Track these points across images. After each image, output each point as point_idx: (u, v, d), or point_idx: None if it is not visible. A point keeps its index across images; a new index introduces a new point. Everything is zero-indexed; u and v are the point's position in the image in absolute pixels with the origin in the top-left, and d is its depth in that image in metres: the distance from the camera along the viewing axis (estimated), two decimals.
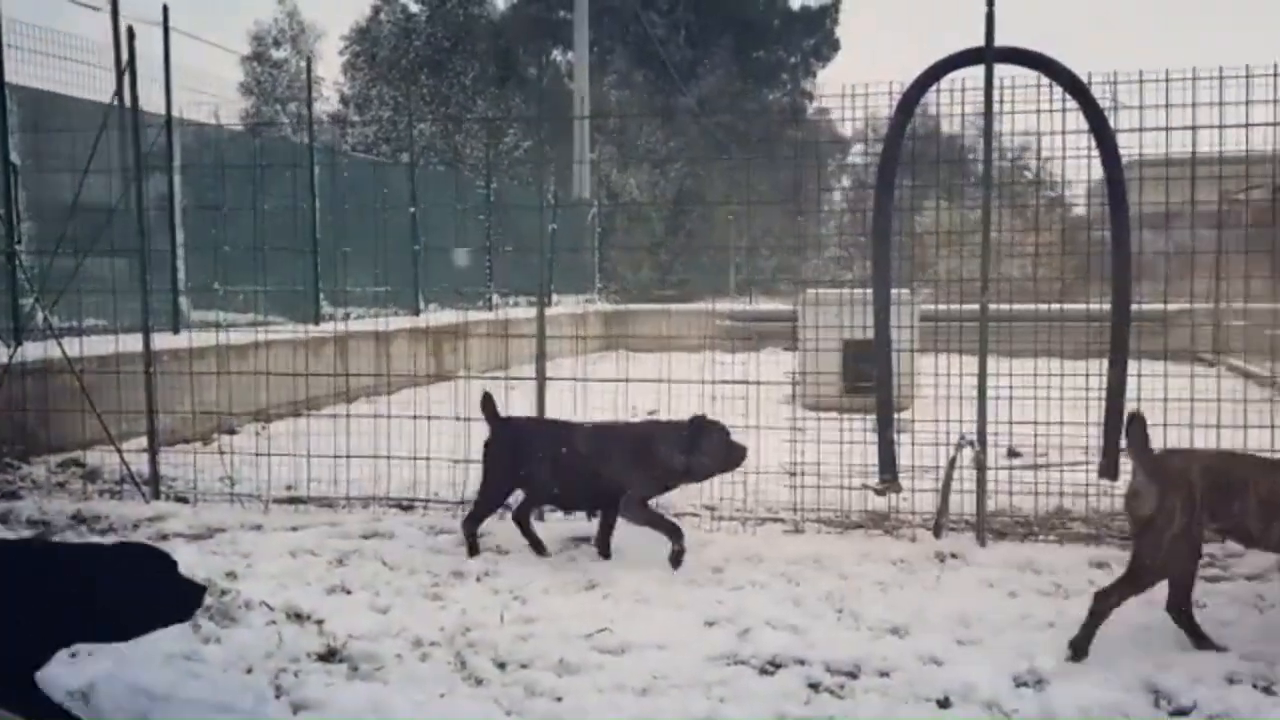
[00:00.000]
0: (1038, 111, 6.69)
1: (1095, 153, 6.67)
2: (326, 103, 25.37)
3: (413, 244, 15.19)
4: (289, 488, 7.88)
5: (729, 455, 6.20)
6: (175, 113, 10.15)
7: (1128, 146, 6.58)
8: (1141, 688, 4.32)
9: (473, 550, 6.30)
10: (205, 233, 11.18)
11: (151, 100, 9.45)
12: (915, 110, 6.84)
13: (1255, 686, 4.32)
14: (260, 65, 23.23)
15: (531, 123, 26.46)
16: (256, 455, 7.83)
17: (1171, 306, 8.43)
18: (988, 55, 6.46)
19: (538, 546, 6.35)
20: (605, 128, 29.06)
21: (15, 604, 3.66)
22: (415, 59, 26.15)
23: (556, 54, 33.84)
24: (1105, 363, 6.77)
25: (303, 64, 23.58)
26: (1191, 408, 6.63)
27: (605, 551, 6.27)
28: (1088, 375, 6.85)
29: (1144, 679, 4.38)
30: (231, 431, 9.51)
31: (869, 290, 7.25)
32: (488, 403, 6.48)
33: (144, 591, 3.85)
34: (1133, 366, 6.68)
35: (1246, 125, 6.43)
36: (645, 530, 6.14)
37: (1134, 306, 6.68)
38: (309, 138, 13.68)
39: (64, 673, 4.31)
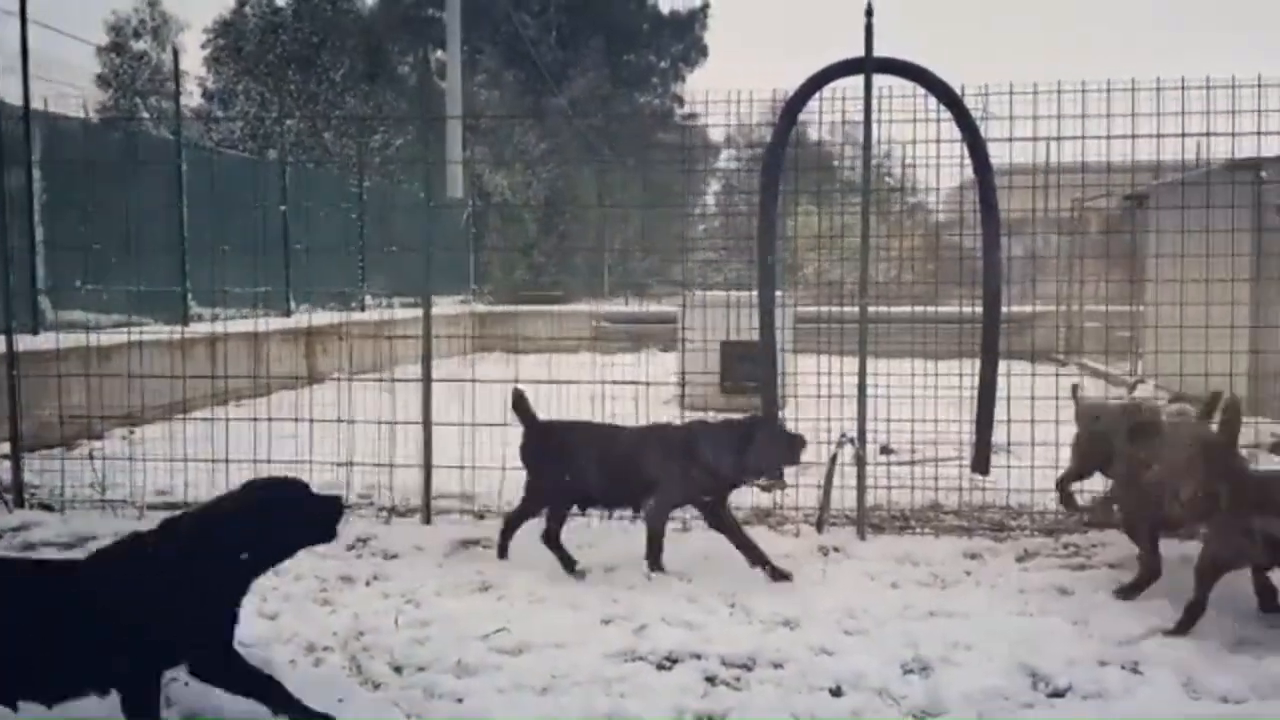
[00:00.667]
0: (914, 120, 6.95)
1: (965, 160, 6.97)
2: (189, 97, 24.59)
3: (284, 243, 14.84)
4: (162, 493, 7.62)
5: (790, 449, 5.98)
6: (35, 105, 9.70)
7: (998, 155, 6.89)
8: (1020, 672, 4.53)
9: (502, 552, 6.13)
10: (65, 229, 10.71)
11: (9, 91, 9.02)
12: (799, 117, 7.01)
13: (1124, 668, 4.58)
14: (119, 57, 22.32)
15: (403, 121, 26.11)
16: (130, 460, 7.56)
17: (1027, 309, 8.84)
18: (867, 65, 6.68)
19: (568, 563, 5.97)
20: (477, 128, 28.86)
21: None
22: (283, 54, 25.51)
23: (427, 52, 33.46)
24: (973, 363, 7.07)
25: (163, 56, 22.79)
26: (1056, 405, 6.97)
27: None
28: (961, 375, 7.15)
29: (1022, 663, 4.59)
30: (98, 436, 9.15)
31: (746, 292, 7.42)
32: (520, 402, 6.16)
33: (298, 513, 4.19)
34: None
35: (1108, 137, 6.81)
36: (534, 528, 6.15)
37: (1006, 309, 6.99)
38: (176, 132, 13.22)
39: None
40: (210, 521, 4.03)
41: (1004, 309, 6.94)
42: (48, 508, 7.35)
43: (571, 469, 6.02)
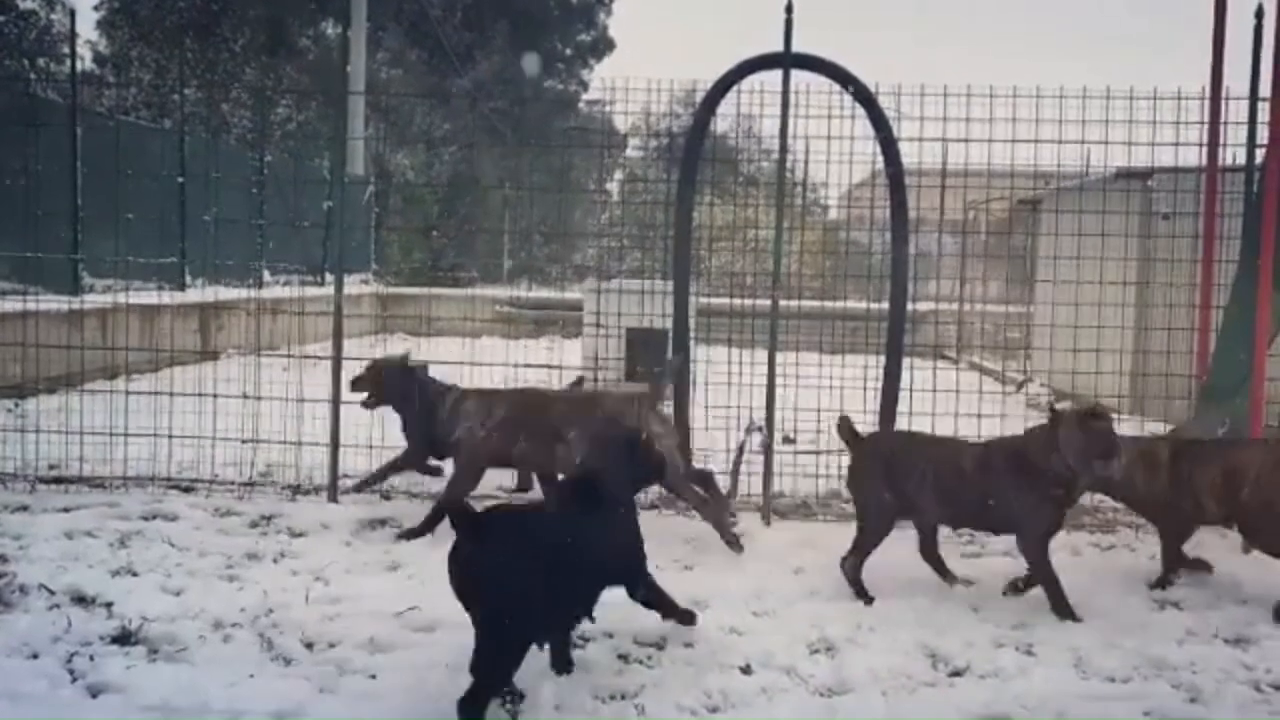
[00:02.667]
0: (828, 117, 7.10)
1: (876, 158, 7.16)
2: (80, 60, 23.54)
3: (181, 215, 14.43)
4: (53, 467, 7.40)
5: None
6: None
7: (907, 155, 7.09)
8: (921, 652, 4.70)
9: (863, 596, 5.39)
10: None
11: None
12: (717, 109, 7.11)
13: (1018, 650, 4.78)
14: (4, 15, 21.34)
15: (305, 95, 25.55)
16: (22, 432, 7.32)
17: (922, 306, 9.13)
18: (785, 61, 6.80)
19: (948, 576, 5.66)
20: (379, 105, 28.40)
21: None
22: (180, 21, 24.71)
23: (328, 27, 32.74)
24: (876, 358, 7.27)
25: (53, 16, 21.90)
26: (957, 398, 7.21)
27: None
28: (866, 368, 7.34)
29: (923, 644, 4.77)
30: None
31: (656, 281, 7.49)
32: (845, 425, 5.72)
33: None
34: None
35: (1013, 141, 7.05)
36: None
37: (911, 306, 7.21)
38: (72, 95, 12.73)
39: None
40: (623, 472, 4.68)
41: (913, 305, 7.15)
42: None
43: (909, 486, 5.47)
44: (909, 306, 7.33)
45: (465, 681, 4.19)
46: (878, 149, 6.97)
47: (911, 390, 7.20)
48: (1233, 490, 5.51)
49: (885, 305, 7.24)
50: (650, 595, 4.70)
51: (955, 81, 7.04)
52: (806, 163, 8.54)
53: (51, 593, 4.98)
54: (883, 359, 7.17)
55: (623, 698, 4.19)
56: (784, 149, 6.96)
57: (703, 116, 7.06)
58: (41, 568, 5.29)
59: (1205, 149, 7.18)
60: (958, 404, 7.24)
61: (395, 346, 11.64)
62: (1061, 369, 8.48)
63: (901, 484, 5.49)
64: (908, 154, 6.97)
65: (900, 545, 6.44)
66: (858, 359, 7.64)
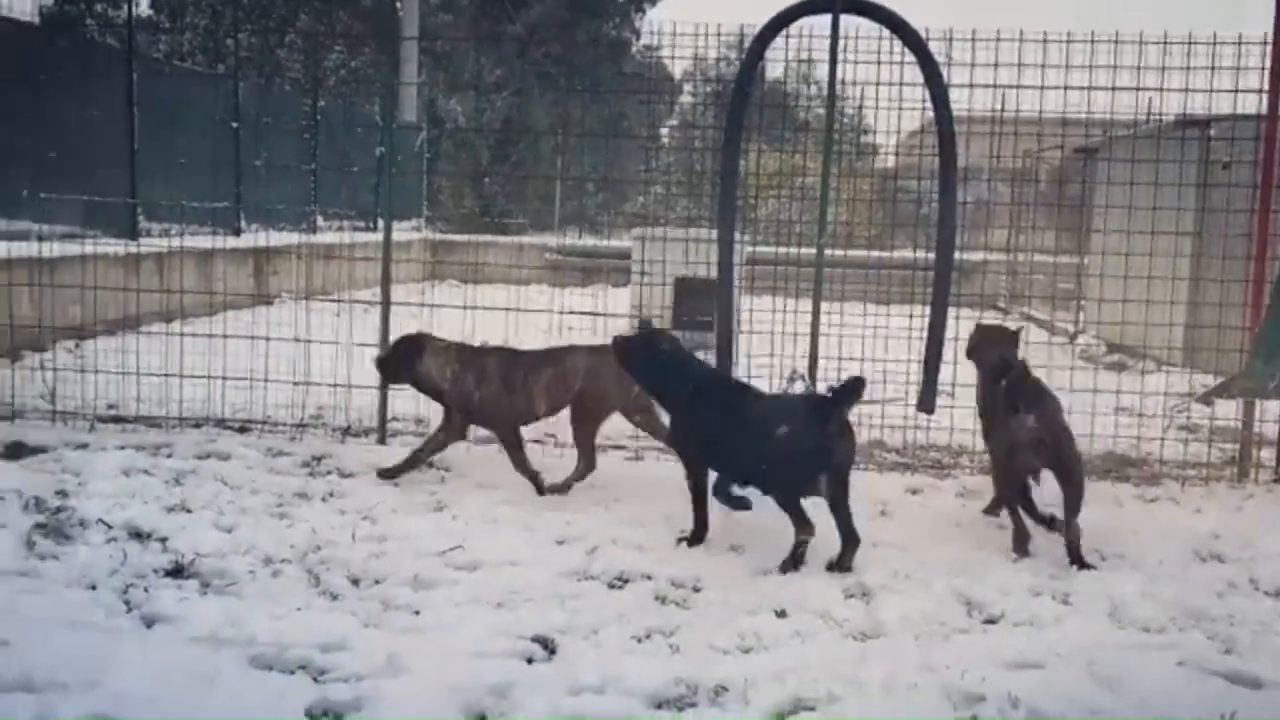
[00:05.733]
0: (877, 63, 7.01)
1: (926, 106, 7.06)
2: (136, 6, 23.72)
3: (236, 161, 14.60)
4: (111, 407, 7.60)
5: None
6: None
7: (957, 102, 6.98)
8: (956, 600, 4.74)
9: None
10: (14, 136, 10.48)
11: None
12: (765, 54, 7.03)
13: (1054, 598, 4.80)
14: None
15: (358, 40, 25.58)
16: (82, 372, 7.52)
17: (974, 256, 9.02)
18: (835, 4, 6.71)
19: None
20: (432, 51, 28.37)
21: None
22: None
23: None
24: (923, 309, 7.20)
25: None
26: None
27: None
28: (911, 318, 7.29)
29: (958, 592, 4.80)
30: (42, 349, 9.04)
31: (703, 229, 7.48)
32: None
33: None
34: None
35: (1064, 88, 6.92)
36: (490, 453, 6.25)
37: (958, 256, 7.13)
38: (129, 40, 12.88)
39: None
40: None
41: (960, 255, 7.08)
42: None
43: None
44: (957, 256, 7.26)
45: (509, 617, 4.33)
46: (928, 96, 6.86)
47: (957, 341, 7.15)
48: None
49: (961, 256, 7.18)
50: None
51: (1008, 26, 6.91)
52: (860, 109, 8.46)
53: (109, 527, 5.15)
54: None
55: (659, 636, 4.27)
56: (832, 95, 6.89)
57: (749, 61, 6.98)
58: (100, 503, 5.46)
59: (1265, 96, 7.00)
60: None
61: (444, 293, 11.76)
62: (1114, 320, 8.38)
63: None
64: (958, 101, 6.86)
65: (940, 495, 6.50)
66: (907, 309, 7.58)
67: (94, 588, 4.46)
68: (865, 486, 6.48)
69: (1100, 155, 11.89)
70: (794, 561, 5.04)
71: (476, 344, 6.78)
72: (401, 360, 6.33)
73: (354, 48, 24.51)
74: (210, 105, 14.21)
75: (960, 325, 7.11)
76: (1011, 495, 5.52)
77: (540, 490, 6.15)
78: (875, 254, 8.74)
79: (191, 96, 14.20)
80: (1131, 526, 5.91)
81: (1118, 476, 6.93)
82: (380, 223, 18.50)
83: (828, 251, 7.19)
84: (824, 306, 7.25)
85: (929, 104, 6.92)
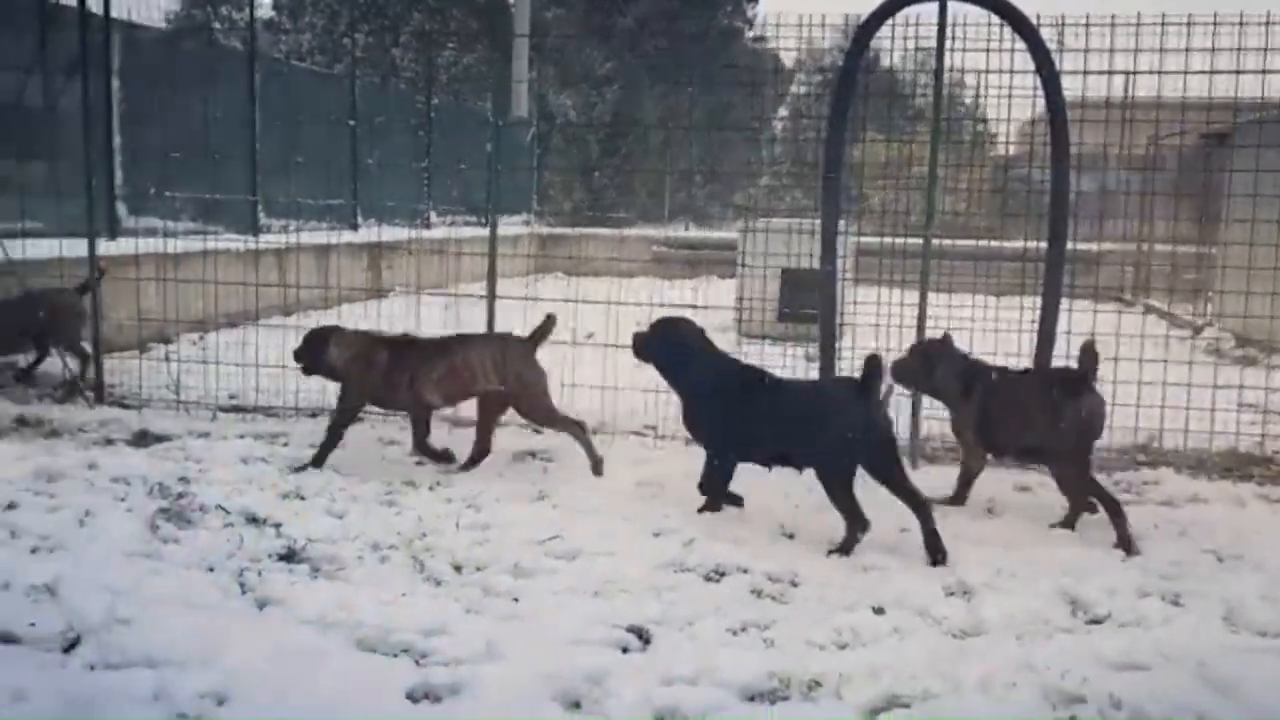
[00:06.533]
0: (986, 50, 6.87)
1: (1037, 93, 6.89)
2: (259, 8, 24.60)
3: (353, 158, 15.00)
4: (232, 397, 7.90)
5: None
6: (115, 14, 9.91)
7: (1070, 88, 6.80)
8: (1061, 599, 4.63)
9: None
10: (141, 137, 10.96)
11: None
12: (871, 43, 6.96)
13: (1164, 599, 4.66)
14: None
15: (471, 38, 26.04)
16: (204, 364, 7.83)
17: (1094, 246, 8.75)
18: None
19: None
20: (543, 46, 28.69)
21: None
22: None
23: None
24: (1030, 300, 7.04)
25: None
26: (1116, 342, 6.96)
27: None
28: (1021, 310, 7.13)
29: (1064, 591, 4.69)
30: (168, 341, 9.43)
31: (810, 220, 7.42)
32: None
33: None
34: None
35: (1184, 73, 6.68)
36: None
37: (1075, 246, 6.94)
38: (250, 42, 13.35)
39: (30, 568, 4.41)
40: None
41: (1070, 245, 6.88)
42: (126, 406, 7.65)
43: None
44: (1075, 246, 7.07)
45: (605, 606, 4.38)
46: (1039, 83, 6.70)
47: (1068, 334, 6.97)
48: None
49: (1074, 246, 7.00)
50: None
51: (1123, 10, 6.69)
52: (976, 97, 8.29)
53: (227, 513, 5.36)
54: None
55: (754, 629, 4.27)
56: (939, 83, 6.78)
57: (854, 50, 6.92)
58: (219, 490, 5.69)
59: None
60: (1115, 349, 6.97)
61: (549, 286, 11.89)
62: (1242, 313, 8.06)
63: None
64: (1070, 88, 6.68)
65: (1051, 492, 6.33)
66: (1023, 300, 7.39)
67: (211, 570, 4.65)
68: (976, 484, 6.39)
69: (1230, 141, 11.42)
70: (844, 547, 5.20)
71: (386, 334, 6.94)
72: (311, 352, 6.54)
73: (466, 45, 24.93)
74: (327, 104, 14.62)
75: (1076, 318, 6.97)
76: None
77: (436, 459, 6.39)
78: (988, 244, 8.52)
79: (309, 95, 14.64)
80: (1254, 527, 5.70)
81: (1240, 475, 6.69)
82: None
83: (938, 242, 7.07)
84: (934, 298, 7.15)
85: (1041, 91, 6.78)
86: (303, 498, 5.74)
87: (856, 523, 5.20)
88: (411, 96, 18.82)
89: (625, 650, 4.03)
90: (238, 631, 3.96)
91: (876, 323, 7.35)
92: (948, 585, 4.77)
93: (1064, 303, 6.94)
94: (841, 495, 5.24)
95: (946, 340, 6.22)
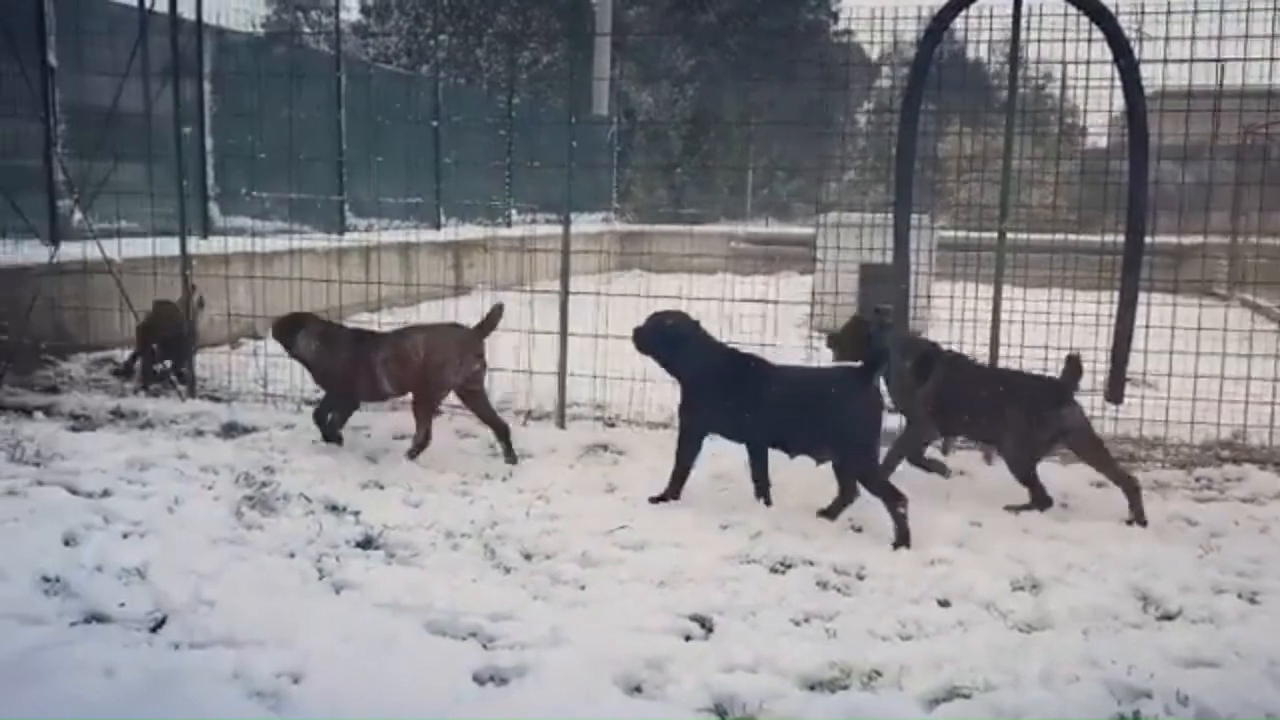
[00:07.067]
0: (1063, 40, 6.77)
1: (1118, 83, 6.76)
2: (347, 11, 25.22)
3: (436, 158, 15.27)
4: (318, 390, 8.11)
5: None
6: (206, 20, 10.25)
7: (1150, 78, 6.67)
8: (1131, 594, 4.58)
9: None
10: (231, 139, 11.32)
11: (184, 7, 9.51)
12: (944, 35, 6.89)
13: (1240, 596, 4.57)
14: None
15: (553, 37, 26.27)
16: (290, 359, 8.05)
17: (1187, 240, 8.55)
18: None
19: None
20: (624, 44, 28.81)
21: None
22: None
23: None
24: (1116, 293, 6.92)
25: None
26: (1197, 337, 6.82)
27: None
28: (1098, 304, 7.01)
29: (1135, 586, 4.63)
30: (257, 336, 9.73)
31: (887, 214, 7.38)
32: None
33: None
34: (1142, 298, 6.83)
35: (1270, 59, 6.51)
36: (663, 438, 6.39)
37: (1150, 239, 6.80)
38: (336, 46, 13.69)
39: (122, 552, 4.63)
40: None
41: (1151, 238, 6.75)
42: (216, 399, 7.93)
43: None
44: (1170, 240, 6.95)
45: (670, 595, 4.44)
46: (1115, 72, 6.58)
47: (1149, 329, 6.86)
48: None
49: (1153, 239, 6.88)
50: None
51: None
52: (1063, 88, 8.16)
53: (309, 501, 5.55)
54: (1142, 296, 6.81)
55: (817, 620, 4.30)
56: (1014, 74, 6.70)
57: (928, 44, 6.86)
58: (301, 479, 5.89)
59: None
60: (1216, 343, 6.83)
61: (627, 283, 11.97)
62: None
63: None
64: (1150, 78, 6.55)
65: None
66: (1101, 296, 7.27)
67: (292, 556, 4.83)
68: (1047, 479, 6.31)
69: None
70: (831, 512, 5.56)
71: (349, 326, 7.16)
72: (283, 338, 6.81)
73: (548, 44, 25.17)
74: (411, 104, 14.91)
75: (1162, 312, 6.85)
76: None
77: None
78: (1070, 238, 8.37)
79: (393, 97, 14.94)
80: None
81: None
82: (572, 216, 19.03)
83: (1021, 236, 7.00)
84: (1017, 293, 7.09)
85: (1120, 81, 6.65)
86: (381, 487, 5.91)
87: (847, 497, 5.56)
88: (493, 96, 19.07)
89: (688, 638, 4.09)
90: (314, 614, 4.12)
91: (952, 318, 7.29)
92: (1015, 579, 4.74)
93: (1156, 297, 6.84)
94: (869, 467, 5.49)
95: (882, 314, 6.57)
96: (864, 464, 5.48)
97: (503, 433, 6.63)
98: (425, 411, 6.54)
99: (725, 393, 5.68)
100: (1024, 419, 5.80)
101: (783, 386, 5.64)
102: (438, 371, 6.48)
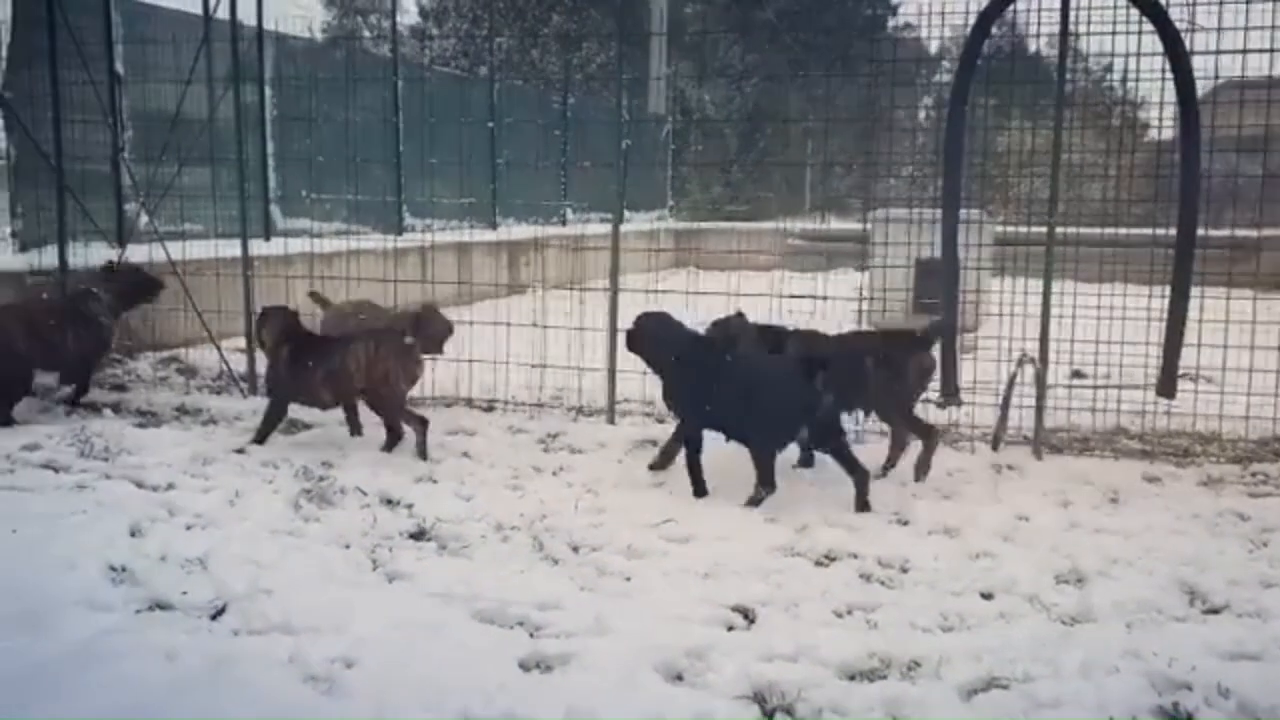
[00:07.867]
0: (1113, 33, 6.73)
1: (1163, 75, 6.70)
2: (406, 15, 25.58)
3: (491, 159, 15.45)
4: None
5: None
6: (267, 26, 10.50)
7: (1203, 69, 6.60)
8: (1178, 588, 4.56)
9: None
10: (292, 143, 11.57)
11: (245, 13, 9.75)
12: (992, 28, 6.88)
13: None
14: None
15: (608, 37, 26.37)
16: None
17: (1250, 233, 8.41)
18: None
19: None
20: (681, 42, 28.83)
21: None
22: None
23: None
24: (1169, 288, 6.85)
25: None
26: (1253, 329, 6.74)
27: None
28: (1149, 298, 6.96)
29: (1181, 580, 4.61)
30: None
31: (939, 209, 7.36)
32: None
33: None
34: (1195, 291, 6.76)
35: None
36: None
37: (1208, 232, 6.74)
38: (393, 50, 13.93)
39: (185, 543, 4.81)
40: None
41: (1204, 230, 6.69)
42: None
43: None
44: (1230, 233, 6.87)
45: (713, 587, 4.52)
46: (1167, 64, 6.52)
47: (1201, 323, 6.79)
48: None
49: (1206, 232, 6.82)
50: None
51: None
52: (1113, 80, 8.09)
53: (364, 494, 5.71)
54: (1197, 290, 6.74)
55: (859, 612, 4.35)
56: (1062, 65, 6.66)
57: (976, 38, 6.86)
58: (357, 473, 6.05)
59: None
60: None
61: (680, 280, 12.03)
62: None
63: None
64: (1202, 70, 6.49)
65: (1179, 483, 6.20)
66: (1159, 290, 7.19)
67: (347, 547, 4.97)
68: (1098, 473, 6.31)
69: None
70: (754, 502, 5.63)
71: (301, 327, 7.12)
72: (258, 329, 7.00)
73: (603, 43, 25.28)
74: (467, 106, 15.09)
75: (1208, 305, 6.78)
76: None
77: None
78: (1123, 232, 8.28)
79: (450, 99, 15.15)
80: None
81: None
82: (627, 214, 19.10)
83: (1072, 229, 6.96)
84: (1073, 287, 7.05)
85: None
86: (435, 481, 6.05)
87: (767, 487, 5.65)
88: (549, 97, 19.23)
89: (730, 628, 4.16)
90: (367, 603, 4.26)
91: (1002, 313, 7.27)
92: (1060, 573, 4.74)
93: (1219, 291, 6.78)
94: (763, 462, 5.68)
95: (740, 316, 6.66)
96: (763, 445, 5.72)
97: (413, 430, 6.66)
98: (390, 413, 6.68)
99: (697, 381, 5.89)
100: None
101: (736, 376, 5.83)
102: (384, 373, 6.58)
